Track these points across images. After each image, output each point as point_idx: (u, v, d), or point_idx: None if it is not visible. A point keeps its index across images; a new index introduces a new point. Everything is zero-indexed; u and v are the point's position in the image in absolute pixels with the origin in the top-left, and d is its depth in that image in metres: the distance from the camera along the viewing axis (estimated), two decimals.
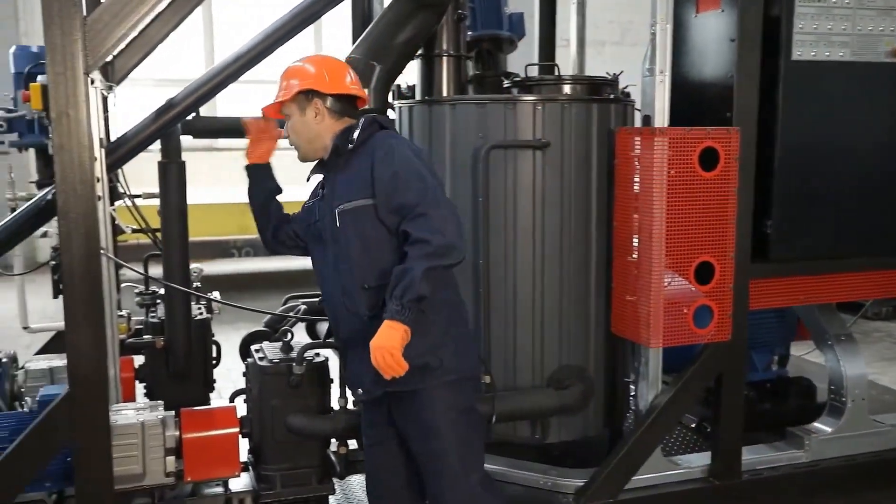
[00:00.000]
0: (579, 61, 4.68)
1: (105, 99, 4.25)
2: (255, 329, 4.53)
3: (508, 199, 3.57)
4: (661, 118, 3.42)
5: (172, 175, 3.71)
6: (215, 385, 4.27)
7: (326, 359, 3.38)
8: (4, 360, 3.83)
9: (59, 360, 3.78)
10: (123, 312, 4.30)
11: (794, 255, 3.58)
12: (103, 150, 3.33)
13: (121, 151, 3.50)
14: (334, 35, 11.15)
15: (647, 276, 3.40)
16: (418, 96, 3.99)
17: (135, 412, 3.21)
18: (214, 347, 4.45)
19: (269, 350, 3.39)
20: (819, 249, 3.61)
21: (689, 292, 3.49)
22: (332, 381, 3.38)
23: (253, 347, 3.48)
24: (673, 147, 3.31)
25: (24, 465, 2.72)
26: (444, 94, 3.85)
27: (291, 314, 4.36)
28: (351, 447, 3.33)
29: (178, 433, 3.22)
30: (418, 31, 3.70)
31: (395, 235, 2.69)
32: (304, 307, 4.47)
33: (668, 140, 3.31)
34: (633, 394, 3.76)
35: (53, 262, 3.96)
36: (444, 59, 3.86)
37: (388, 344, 2.48)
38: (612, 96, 3.78)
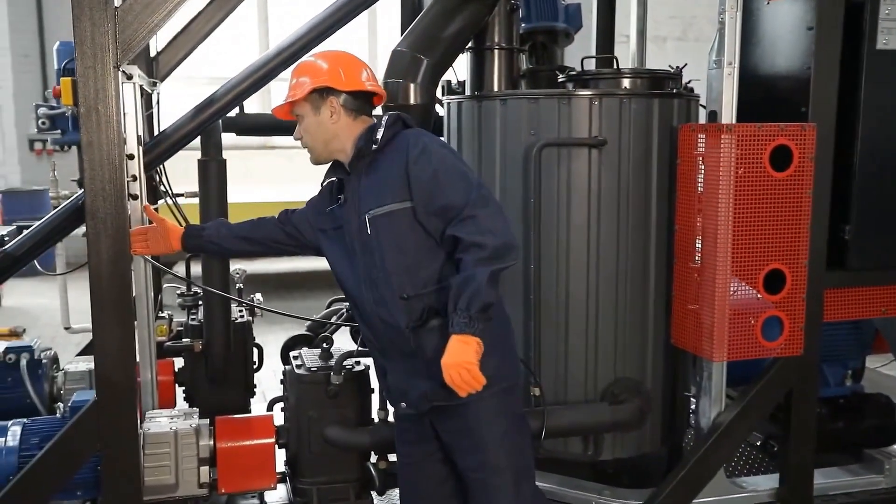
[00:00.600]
0: (639, 56, 4.42)
1: (149, 96, 4.19)
2: (297, 333, 4.40)
3: (562, 201, 3.36)
4: (729, 113, 3.17)
5: (213, 173, 3.61)
6: (256, 390, 4.16)
7: (367, 367, 3.21)
8: (45, 360, 3.77)
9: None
10: (165, 314, 4.21)
11: (875, 264, 3.28)
12: (141, 148, 3.24)
13: (159, 149, 3.41)
14: (388, 28, 11.07)
15: (711, 283, 3.15)
16: (468, 92, 3.80)
17: (168, 420, 3.10)
18: (256, 351, 4.35)
19: (308, 357, 3.24)
20: None
21: (758, 302, 3.23)
22: (372, 390, 3.22)
23: (291, 354, 3.34)
24: (741, 145, 3.05)
25: (52, 474, 2.61)
26: (496, 89, 3.66)
27: (333, 319, 4.21)
28: (392, 460, 3.15)
29: (212, 442, 3.09)
30: (468, 22, 3.51)
31: (435, 239, 2.51)
32: (346, 311, 4.32)
33: (735, 137, 3.06)
34: (693, 408, 3.51)
35: None
36: (496, 52, 3.67)
37: (463, 359, 2.32)
38: (674, 91, 3.53)
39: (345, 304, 4.50)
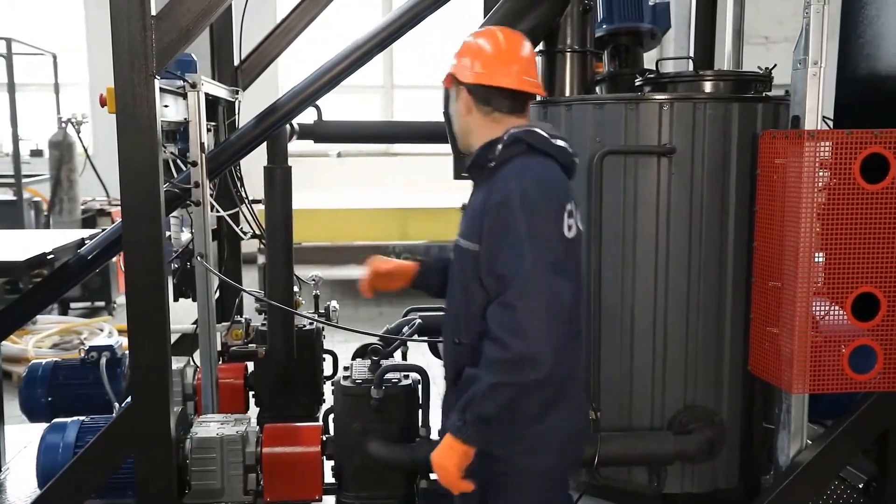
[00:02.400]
0: (735, 57, 4.09)
1: (233, 104, 4.29)
2: (369, 342, 4.35)
3: (627, 213, 3.14)
4: (814, 118, 2.84)
5: (277, 180, 3.62)
6: (325, 399, 4.15)
7: (416, 382, 3.11)
8: (125, 359, 3.91)
9: (175, 364, 3.80)
10: (242, 318, 4.27)
11: None
12: (204, 156, 3.30)
13: (223, 157, 3.46)
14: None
15: (791, 306, 2.84)
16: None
17: (218, 425, 3.12)
18: (330, 359, 4.35)
19: (358, 369, 3.18)
20: None
21: (847, 329, 2.88)
22: (421, 406, 3.11)
23: (343, 365, 3.29)
24: (824, 154, 2.73)
25: (90, 473, 2.67)
26: (567, 93, 3.48)
27: (404, 331, 4.12)
28: (434, 479, 3.03)
29: (259, 450, 3.09)
30: (537, 23, 3.37)
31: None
32: (418, 321, 4.23)
33: (819, 145, 2.74)
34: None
35: (175, 266, 3.99)
36: (568, 55, 3.50)
37: (446, 464, 2.15)
38: (764, 94, 3.23)
39: (418, 315, 4.42)
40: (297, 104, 3.41)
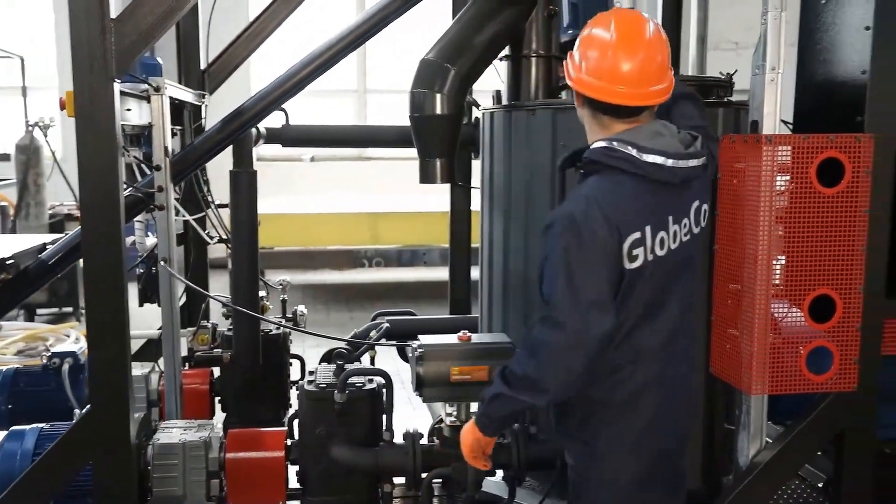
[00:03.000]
0: (699, 62, 4.14)
1: (199, 107, 4.26)
2: (336, 347, 4.34)
3: None
4: (772, 123, 2.89)
5: (243, 184, 3.61)
6: (291, 404, 4.13)
7: (380, 386, 3.11)
8: (84, 362, 3.87)
9: (139, 370, 3.76)
10: (208, 323, 4.25)
11: None
12: (168, 160, 3.28)
13: (187, 161, 3.44)
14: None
15: (751, 308, 2.87)
16: (504, 101, 3.66)
17: (180, 431, 3.09)
18: (298, 363, 4.33)
19: (323, 373, 3.17)
20: None
21: (805, 331, 2.92)
22: (387, 410, 3.10)
23: (309, 369, 3.28)
24: (782, 158, 2.77)
25: (48, 480, 2.64)
26: (532, 98, 3.50)
27: (372, 335, 4.13)
28: (398, 483, 3.04)
29: (222, 455, 3.07)
30: (501, 29, 3.40)
31: None
32: (386, 326, 4.24)
33: (776, 149, 2.78)
34: None
35: (140, 271, 3.96)
36: (532, 60, 3.52)
37: (463, 442, 2.36)
38: (725, 99, 3.28)
39: (386, 318, 4.42)
40: (262, 108, 3.41)
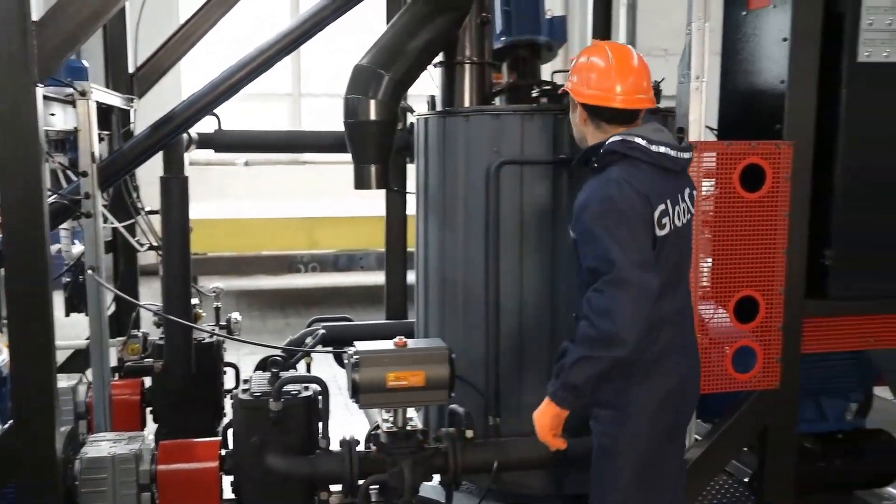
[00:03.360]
0: None
1: (128, 112, 4.17)
2: (272, 354, 4.29)
3: (525, 222, 3.21)
4: (697, 130, 2.98)
5: (174, 190, 3.54)
6: (225, 413, 4.07)
7: (316, 393, 3.09)
8: (7, 374, 3.74)
9: (66, 382, 3.65)
10: (139, 332, 4.16)
11: (860, 292, 3.03)
12: (95, 166, 3.20)
13: (115, 166, 3.37)
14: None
15: None
16: (438, 107, 3.68)
17: (109, 444, 3.01)
18: (232, 372, 4.27)
19: (257, 381, 3.13)
20: (889, 285, 3.05)
21: (730, 331, 3.02)
22: (323, 417, 3.08)
23: (243, 378, 3.23)
24: (707, 164, 2.87)
25: None
26: (466, 104, 3.52)
27: (307, 341, 4.10)
28: (334, 491, 3.01)
29: (152, 467, 3.00)
30: (435, 36, 3.39)
31: None
32: (322, 332, 4.21)
33: (701, 156, 2.87)
34: None
35: (67, 280, 3.85)
36: (466, 66, 3.54)
37: (540, 422, 2.49)
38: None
39: (322, 325, 4.40)
40: (194, 113, 3.35)
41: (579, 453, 3.10)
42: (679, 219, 2.51)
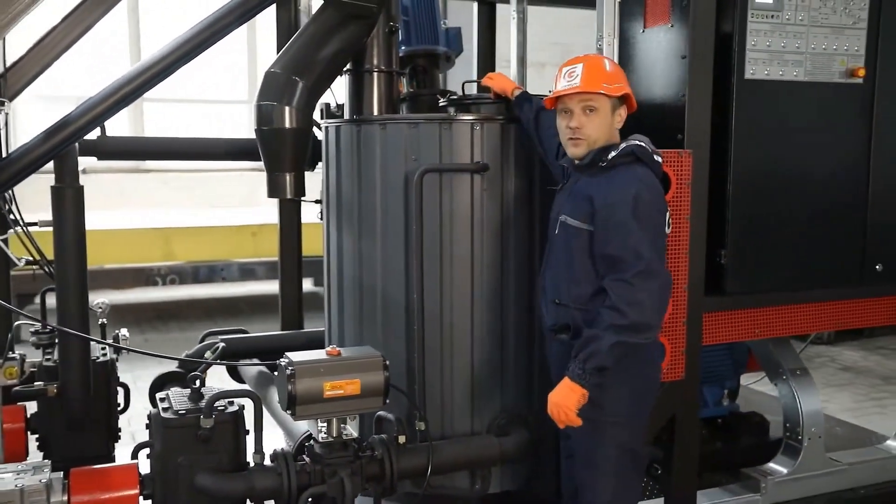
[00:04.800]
0: (520, 81, 4.41)
1: None
2: (167, 370, 4.10)
3: (445, 228, 3.28)
4: None
5: (68, 201, 3.31)
6: (123, 434, 3.85)
7: (241, 407, 3.00)
8: None
9: None
10: (16, 354, 3.83)
11: (751, 288, 3.34)
12: None
13: (5, 175, 3.11)
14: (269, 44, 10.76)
15: None
16: (346, 115, 3.67)
17: (13, 476, 2.78)
18: (122, 391, 4.04)
19: (176, 398, 2.99)
20: (776, 281, 3.38)
21: None
22: (247, 432, 3.00)
23: (158, 395, 3.08)
24: None
25: None
26: (375, 112, 3.54)
27: (205, 357, 3.95)
28: None
29: (65, 498, 2.80)
30: (346, 44, 3.40)
31: (597, 271, 2.72)
32: (222, 345, 4.08)
33: None
34: None
35: None
36: (375, 74, 3.56)
37: (565, 403, 2.63)
38: None
39: (220, 338, 4.25)
40: (92, 118, 3.15)
41: (510, 452, 3.22)
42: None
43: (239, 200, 10.20)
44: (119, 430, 3.77)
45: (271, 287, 9.90)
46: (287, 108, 3.23)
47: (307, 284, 10.43)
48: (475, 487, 3.35)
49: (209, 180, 10.29)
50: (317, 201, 4.46)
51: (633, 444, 2.84)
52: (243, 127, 11.17)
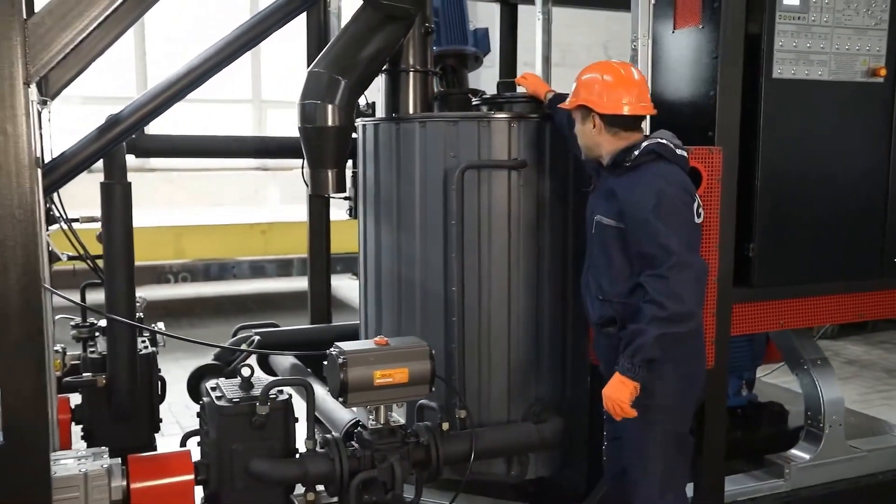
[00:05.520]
0: (546, 80, 4.52)
1: (39, 115, 3.92)
2: (205, 363, 4.20)
3: (483, 223, 3.38)
4: None
5: (117, 197, 3.41)
6: (161, 425, 3.94)
7: (290, 395, 3.10)
8: None
9: None
10: (58, 347, 3.92)
11: (777, 280, 3.46)
12: (40, 171, 3.03)
13: (59, 172, 3.20)
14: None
15: None
16: (380, 113, 3.77)
17: (75, 462, 2.87)
18: (160, 384, 4.13)
19: (227, 388, 3.09)
20: (800, 273, 3.51)
21: None
22: (296, 420, 3.10)
23: (208, 385, 3.17)
24: None
25: None
26: (411, 111, 3.65)
27: (244, 346, 4.05)
28: (320, 490, 3.04)
29: (125, 483, 2.90)
30: (385, 44, 3.50)
31: (633, 266, 2.83)
32: (257, 338, 4.17)
33: None
34: None
35: None
36: (411, 74, 3.67)
37: (618, 397, 2.72)
38: None
39: (253, 331, 4.35)
40: (140, 117, 3.24)
41: (548, 439, 3.33)
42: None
43: (243, 199, 10.30)
44: (161, 420, 3.86)
45: (279, 285, 10.02)
46: (330, 107, 3.34)
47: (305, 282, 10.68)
48: (511, 473, 3.46)
49: (214, 179, 10.37)
50: (346, 198, 4.57)
51: (680, 428, 2.94)
52: (247, 126, 11.29)
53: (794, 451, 3.88)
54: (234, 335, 4.45)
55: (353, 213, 4.57)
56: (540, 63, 4.55)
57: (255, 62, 11.47)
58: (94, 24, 2.45)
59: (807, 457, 3.83)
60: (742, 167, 3.35)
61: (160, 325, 4.21)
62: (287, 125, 10.68)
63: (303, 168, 4.23)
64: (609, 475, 3.23)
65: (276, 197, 10.66)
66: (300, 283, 10.29)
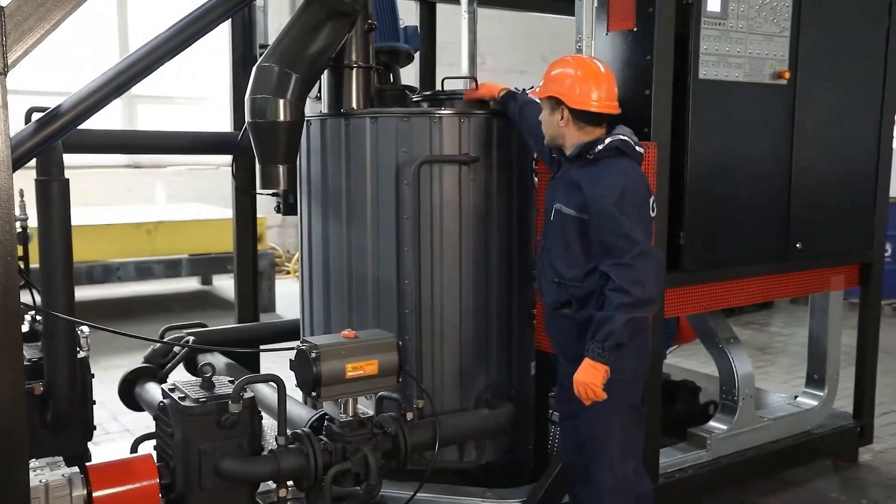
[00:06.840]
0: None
1: None
2: (136, 367, 4.05)
3: (435, 216, 3.47)
4: None
5: (55, 194, 3.23)
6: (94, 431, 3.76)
7: (252, 395, 3.06)
8: None
9: None
10: None
11: (704, 265, 3.74)
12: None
13: None
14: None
15: None
16: (324, 109, 3.77)
17: (32, 473, 2.73)
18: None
19: (188, 388, 3.02)
20: (723, 259, 3.81)
21: None
22: (261, 417, 3.07)
23: (165, 387, 3.08)
24: None
25: None
26: (354, 106, 3.67)
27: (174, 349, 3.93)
28: (290, 486, 3.03)
29: (85, 492, 2.78)
30: (332, 39, 3.51)
31: (592, 250, 2.97)
32: (191, 339, 4.06)
33: None
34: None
35: None
36: (354, 70, 3.69)
37: (590, 381, 2.85)
38: None
39: (185, 332, 4.23)
40: (83, 110, 3.08)
41: (502, 424, 3.46)
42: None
43: (116, 198, 9.87)
44: (94, 427, 3.69)
45: (168, 286, 9.65)
46: (281, 101, 3.31)
47: (194, 283, 10.29)
48: (464, 459, 3.56)
49: (81, 178, 9.83)
50: (274, 194, 4.52)
51: (635, 400, 3.12)
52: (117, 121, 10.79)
53: (712, 423, 4.20)
54: (162, 337, 4.30)
55: (281, 208, 4.53)
56: (466, 62, 4.66)
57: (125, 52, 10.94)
58: (73, 13, 2.33)
59: (724, 427, 4.16)
60: (672, 161, 3.60)
61: (84, 329, 4.01)
62: (157, 120, 10.39)
63: (233, 165, 4.18)
64: (562, 454, 3.39)
65: (162, 195, 10.26)
66: (189, 284, 10.00)
